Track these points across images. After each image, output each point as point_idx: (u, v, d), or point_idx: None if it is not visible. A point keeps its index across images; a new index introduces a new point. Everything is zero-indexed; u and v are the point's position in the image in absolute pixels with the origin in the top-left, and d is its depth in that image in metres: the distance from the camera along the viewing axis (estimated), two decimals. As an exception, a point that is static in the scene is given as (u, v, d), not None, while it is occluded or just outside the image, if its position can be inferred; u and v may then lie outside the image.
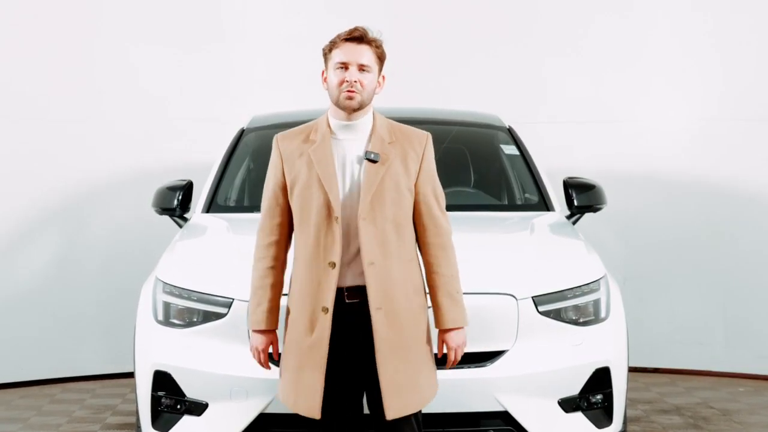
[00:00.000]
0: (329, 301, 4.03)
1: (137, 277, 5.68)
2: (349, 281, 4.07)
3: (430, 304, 4.17)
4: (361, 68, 4.06)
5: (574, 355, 4.76)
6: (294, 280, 4.13)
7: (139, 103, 7.98)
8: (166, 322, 4.84)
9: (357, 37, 4.07)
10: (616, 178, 7.86)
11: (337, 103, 4.09)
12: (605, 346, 4.84)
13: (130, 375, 5.11)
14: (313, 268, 4.05)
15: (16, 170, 7.75)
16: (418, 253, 4.17)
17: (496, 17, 8.25)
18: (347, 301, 4.07)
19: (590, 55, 8.14)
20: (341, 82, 4.05)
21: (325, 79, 4.13)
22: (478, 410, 4.65)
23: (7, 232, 7.76)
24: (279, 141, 4.19)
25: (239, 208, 5.98)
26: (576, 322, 4.81)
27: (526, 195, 6.10)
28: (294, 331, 4.10)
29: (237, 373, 4.64)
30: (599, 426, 4.81)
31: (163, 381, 4.77)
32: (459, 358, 4.21)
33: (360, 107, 4.09)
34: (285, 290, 4.20)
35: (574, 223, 5.89)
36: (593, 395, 4.81)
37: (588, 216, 6.10)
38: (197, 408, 4.72)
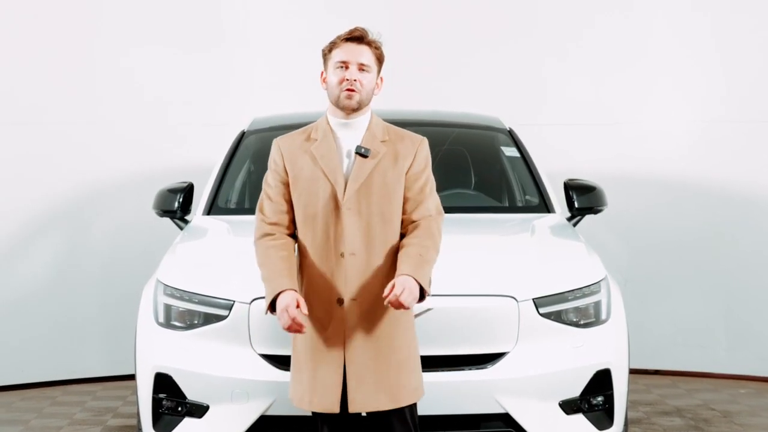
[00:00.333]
0: (343, 293, 4.05)
1: (138, 280, 5.68)
2: None
3: (420, 309, 4.13)
4: (361, 68, 4.09)
5: (575, 357, 4.76)
6: (303, 278, 4.13)
7: (139, 106, 7.98)
8: (167, 324, 4.84)
9: (357, 37, 4.11)
10: (616, 179, 7.86)
11: (337, 103, 4.11)
12: (606, 348, 4.84)
13: (131, 377, 5.11)
14: (324, 260, 4.07)
15: (17, 174, 7.75)
16: None
17: (497, 18, 8.24)
18: None
19: (591, 56, 8.14)
20: (341, 81, 4.08)
21: (324, 80, 4.16)
22: (478, 412, 4.64)
23: (8, 236, 7.76)
24: (279, 142, 4.22)
25: (240, 210, 5.98)
26: (577, 324, 4.81)
27: (527, 197, 6.10)
28: (308, 328, 4.08)
29: (238, 376, 4.64)
30: (600, 428, 4.81)
31: (164, 383, 4.77)
32: (397, 299, 3.93)
33: (359, 107, 4.11)
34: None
35: (574, 225, 5.89)
36: (594, 397, 4.81)
37: (589, 218, 6.10)
38: (198, 410, 4.72)
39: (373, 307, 4.06)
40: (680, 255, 7.99)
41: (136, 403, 4.99)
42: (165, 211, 5.88)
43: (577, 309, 4.82)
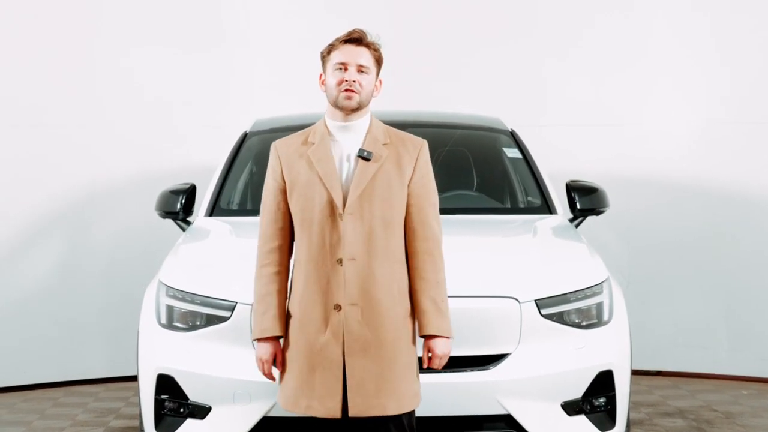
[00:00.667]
0: (341, 298, 4.04)
1: (140, 281, 5.68)
2: None
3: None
4: (360, 69, 4.08)
5: (577, 358, 4.76)
6: (298, 282, 4.11)
7: (140, 107, 7.98)
8: (170, 325, 4.84)
9: (356, 38, 4.10)
10: (618, 180, 7.86)
11: (336, 104, 4.10)
12: (608, 349, 4.84)
13: (134, 378, 5.12)
14: (320, 265, 4.05)
15: (18, 175, 7.75)
16: None
17: (497, 18, 8.24)
18: None
19: (591, 56, 8.13)
20: (340, 82, 4.07)
21: (322, 82, 4.15)
22: (480, 413, 4.64)
23: (10, 238, 7.76)
24: (277, 146, 4.21)
25: (242, 211, 5.98)
26: (579, 325, 4.81)
27: (529, 198, 6.10)
28: (303, 333, 4.08)
29: (240, 377, 4.64)
30: (602, 429, 4.81)
31: (166, 384, 4.77)
32: (441, 366, 4.13)
33: (358, 108, 4.10)
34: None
35: (576, 226, 5.89)
36: (596, 398, 4.80)
37: (591, 219, 6.11)
38: (200, 411, 4.72)
39: (375, 311, 4.04)
40: (681, 255, 7.99)
41: (139, 405, 4.99)
42: (167, 213, 5.89)
43: (579, 310, 4.82)
